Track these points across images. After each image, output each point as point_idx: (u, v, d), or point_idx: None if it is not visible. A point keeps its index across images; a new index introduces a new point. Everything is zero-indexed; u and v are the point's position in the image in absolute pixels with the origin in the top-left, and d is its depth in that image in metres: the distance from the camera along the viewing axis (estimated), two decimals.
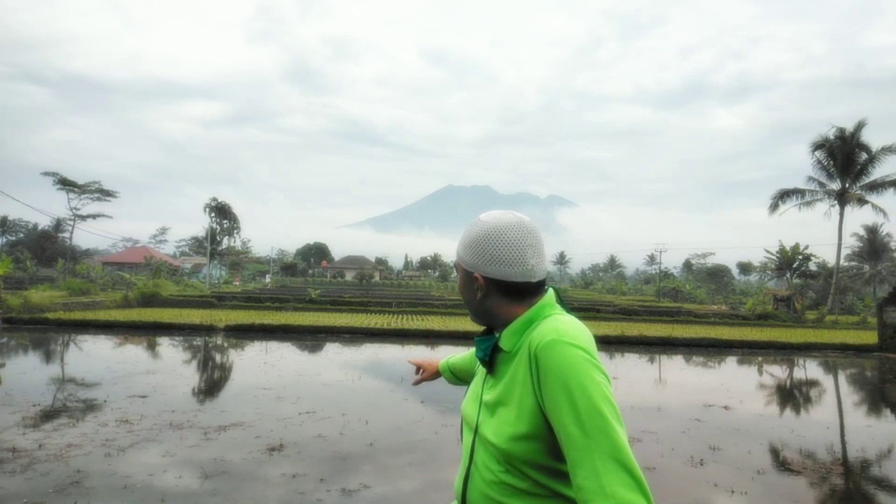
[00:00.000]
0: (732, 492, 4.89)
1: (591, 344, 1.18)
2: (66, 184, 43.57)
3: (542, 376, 1.14)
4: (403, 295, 40.95)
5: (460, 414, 1.46)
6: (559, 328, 1.17)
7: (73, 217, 45.48)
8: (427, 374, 2.02)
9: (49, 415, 6.76)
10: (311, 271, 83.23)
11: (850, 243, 48.35)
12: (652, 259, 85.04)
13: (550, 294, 1.30)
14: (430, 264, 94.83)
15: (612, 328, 20.50)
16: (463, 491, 1.31)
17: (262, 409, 7.31)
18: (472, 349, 1.74)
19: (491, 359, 1.30)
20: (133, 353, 12.78)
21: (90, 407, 7.23)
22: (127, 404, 7.31)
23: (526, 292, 1.27)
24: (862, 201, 31.85)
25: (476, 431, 1.29)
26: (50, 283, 32.81)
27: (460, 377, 1.90)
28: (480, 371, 1.38)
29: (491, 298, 1.29)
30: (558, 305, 1.29)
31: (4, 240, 65.11)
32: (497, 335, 1.31)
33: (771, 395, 10.42)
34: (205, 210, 50.29)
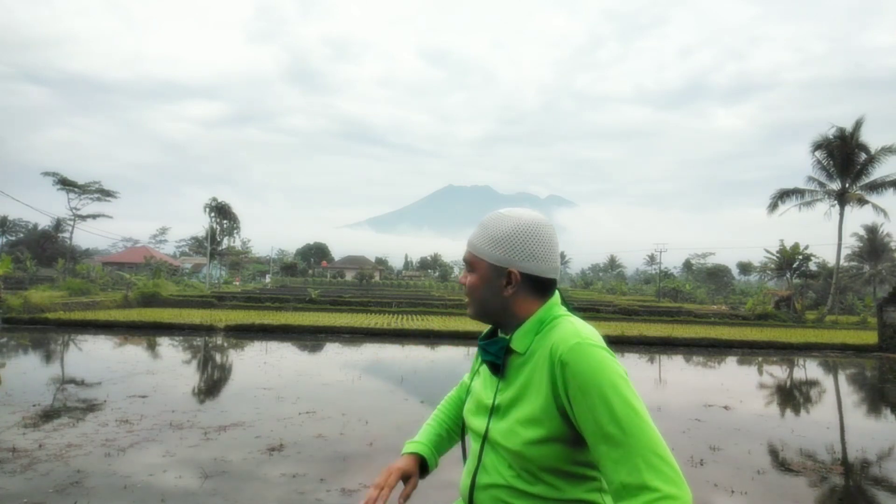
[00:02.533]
0: (732, 492, 4.88)
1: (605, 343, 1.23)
2: (66, 184, 43.62)
3: (569, 380, 1.13)
4: (403, 295, 40.94)
5: (461, 420, 1.44)
6: (579, 331, 1.18)
7: (73, 217, 45.54)
8: (415, 479, 1.48)
9: (49, 415, 6.76)
10: (311, 271, 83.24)
11: (850, 243, 48.41)
12: (652, 259, 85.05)
13: (557, 294, 1.32)
14: (430, 264, 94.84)
15: (612, 328, 20.49)
16: (470, 493, 1.30)
17: (262, 409, 7.31)
18: (428, 423, 1.56)
19: (501, 361, 1.28)
20: (133, 353, 12.78)
21: (90, 407, 7.23)
22: (127, 404, 7.31)
23: (551, 288, 1.30)
24: (862, 201, 31.84)
25: (485, 438, 1.27)
26: (50, 283, 32.81)
27: (444, 451, 1.58)
28: (483, 377, 1.36)
29: (519, 295, 1.27)
30: (563, 306, 1.30)
31: (4, 240, 65.12)
32: (507, 337, 1.29)
33: (771, 395, 10.42)
34: (205, 210, 50.35)
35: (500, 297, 1.27)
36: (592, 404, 1.09)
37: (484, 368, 1.36)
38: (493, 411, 1.27)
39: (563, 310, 1.29)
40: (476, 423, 1.32)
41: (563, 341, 1.16)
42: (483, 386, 1.34)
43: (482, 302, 1.30)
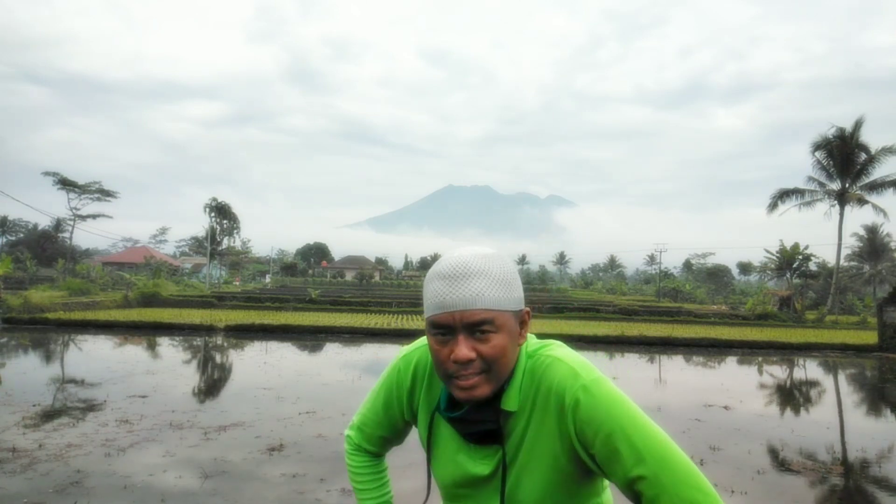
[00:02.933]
0: (732, 492, 4.88)
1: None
2: (66, 184, 43.58)
3: (584, 427, 1.01)
4: (403, 295, 40.93)
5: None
6: (575, 370, 1.05)
7: (73, 217, 45.50)
8: None
9: (49, 415, 6.76)
10: (311, 271, 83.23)
11: (850, 243, 48.39)
12: (652, 259, 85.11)
13: None
14: (430, 264, 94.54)
15: (612, 328, 20.50)
16: None
17: (262, 409, 7.31)
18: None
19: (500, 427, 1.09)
20: (133, 353, 12.78)
21: (90, 407, 7.23)
22: (127, 404, 7.31)
23: None
24: (862, 201, 31.84)
25: None
26: (50, 283, 32.81)
27: None
28: (453, 446, 1.16)
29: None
30: None
31: (4, 240, 65.15)
32: (487, 401, 1.08)
33: (771, 395, 10.42)
34: (205, 210, 50.36)
35: (516, 349, 1.08)
36: (616, 449, 0.98)
37: (448, 436, 1.17)
38: (504, 482, 1.10)
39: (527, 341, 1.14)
40: (479, 498, 1.16)
41: (567, 386, 1.03)
42: (462, 457, 1.16)
43: (509, 364, 1.05)
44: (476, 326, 1.00)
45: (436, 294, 1.02)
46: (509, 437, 1.09)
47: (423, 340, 1.21)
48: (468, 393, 1.02)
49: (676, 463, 0.97)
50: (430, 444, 1.19)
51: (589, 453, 1.02)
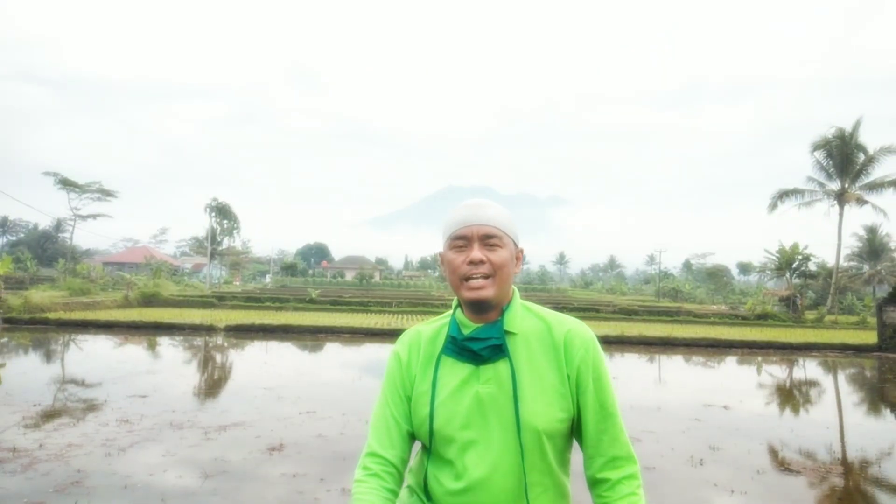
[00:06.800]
0: (732, 492, 4.88)
1: None
2: (66, 184, 43.54)
3: (579, 360, 1.24)
4: (403, 295, 40.92)
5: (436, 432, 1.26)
6: (566, 316, 1.30)
7: (73, 217, 45.47)
8: None
9: (49, 414, 6.77)
10: (311, 271, 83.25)
11: (850, 243, 48.34)
12: (652, 259, 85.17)
13: None
14: (430, 264, 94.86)
15: (612, 328, 20.50)
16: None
17: (262, 409, 7.32)
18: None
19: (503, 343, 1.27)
20: (133, 352, 12.79)
21: (90, 407, 7.23)
22: (127, 404, 7.31)
23: None
24: (861, 201, 31.85)
25: (519, 429, 1.21)
26: (50, 283, 32.81)
27: None
28: (457, 380, 1.26)
29: None
30: None
31: (5, 240, 65.22)
32: (493, 321, 1.27)
33: (771, 395, 10.42)
34: (205, 210, 50.37)
35: (512, 273, 1.29)
36: (601, 385, 1.25)
37: (455, 372, 1.28)
38: (517, 398, 1.22)
39: None
40: (488, 425, 1.24)
41: (562, 323, 1.28)
42: (473, 382, 1.26)
43: (507, 281, 1.26)
44: (487, 238, 1.25)
45: (460, 216, 1.27)
46: (514, 355, 1.26)
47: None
48: (477, 292, 1.23)
49: (619, 414, 1.27)
50: (434, 389, 1.28)
51: (579, 385, 1.25)
